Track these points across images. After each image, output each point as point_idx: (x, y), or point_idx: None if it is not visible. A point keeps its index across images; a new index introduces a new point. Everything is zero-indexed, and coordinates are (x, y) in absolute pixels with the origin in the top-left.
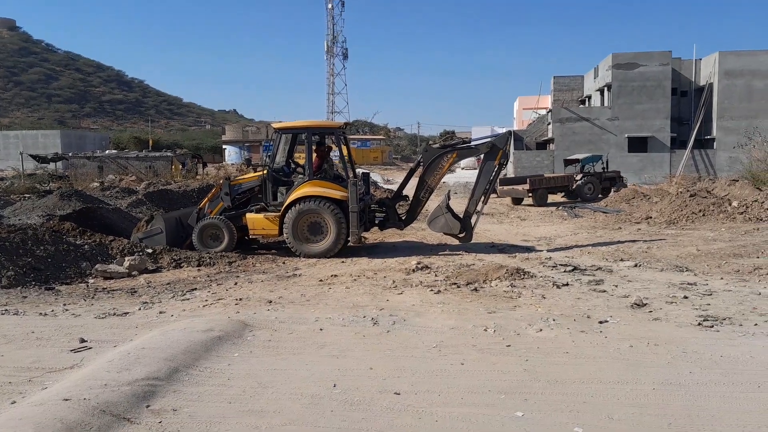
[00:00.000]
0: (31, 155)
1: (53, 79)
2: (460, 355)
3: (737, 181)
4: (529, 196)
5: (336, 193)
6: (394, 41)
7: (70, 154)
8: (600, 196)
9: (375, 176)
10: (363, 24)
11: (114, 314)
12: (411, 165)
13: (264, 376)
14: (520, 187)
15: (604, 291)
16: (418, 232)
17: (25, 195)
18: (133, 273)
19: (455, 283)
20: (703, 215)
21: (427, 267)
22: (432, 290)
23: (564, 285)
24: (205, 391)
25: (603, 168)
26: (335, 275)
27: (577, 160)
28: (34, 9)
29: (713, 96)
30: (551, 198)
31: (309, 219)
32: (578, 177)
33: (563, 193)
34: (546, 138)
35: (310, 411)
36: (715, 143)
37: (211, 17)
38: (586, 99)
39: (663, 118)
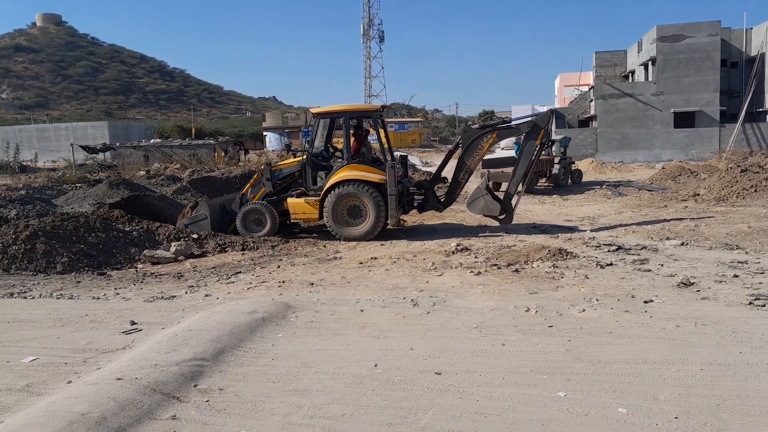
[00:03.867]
0: (81, 146)
1: (99, 71)
2: (501, 336)
3: None
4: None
5: (374, 176)
6: (430, 22)
7: (118, 144)
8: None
9: (413, 159)
10: (399, 6)
11: (162, 298)
12: (449, 147)
13: (307, 356)
14: (510, 170)
15: (650, 270)
16: (458, 214)
17: (77, 184)
18: (180, 258)
19: (496, 265)
20: (755, 191)
21: (466, 249)
22: (472, 272)
23: (608, 265)
24: (250, 371)
25: (562, 152)
26: (375, 258)
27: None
28: (80, 3)
29: (765, 66)
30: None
31: (348, 202)
32: (556, 160)
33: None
34: (588, 115)
35: (352, 390)
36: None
37: (249, 6)
38: (630, 74)
39: (712, 92)
